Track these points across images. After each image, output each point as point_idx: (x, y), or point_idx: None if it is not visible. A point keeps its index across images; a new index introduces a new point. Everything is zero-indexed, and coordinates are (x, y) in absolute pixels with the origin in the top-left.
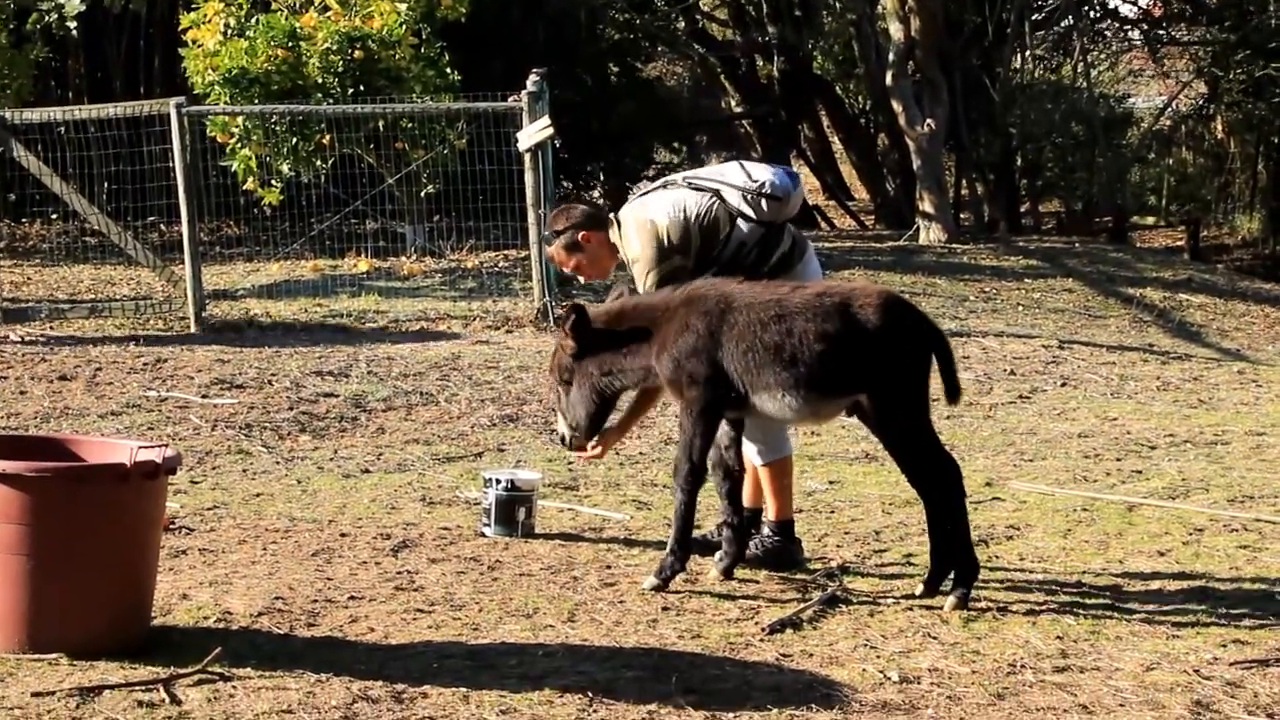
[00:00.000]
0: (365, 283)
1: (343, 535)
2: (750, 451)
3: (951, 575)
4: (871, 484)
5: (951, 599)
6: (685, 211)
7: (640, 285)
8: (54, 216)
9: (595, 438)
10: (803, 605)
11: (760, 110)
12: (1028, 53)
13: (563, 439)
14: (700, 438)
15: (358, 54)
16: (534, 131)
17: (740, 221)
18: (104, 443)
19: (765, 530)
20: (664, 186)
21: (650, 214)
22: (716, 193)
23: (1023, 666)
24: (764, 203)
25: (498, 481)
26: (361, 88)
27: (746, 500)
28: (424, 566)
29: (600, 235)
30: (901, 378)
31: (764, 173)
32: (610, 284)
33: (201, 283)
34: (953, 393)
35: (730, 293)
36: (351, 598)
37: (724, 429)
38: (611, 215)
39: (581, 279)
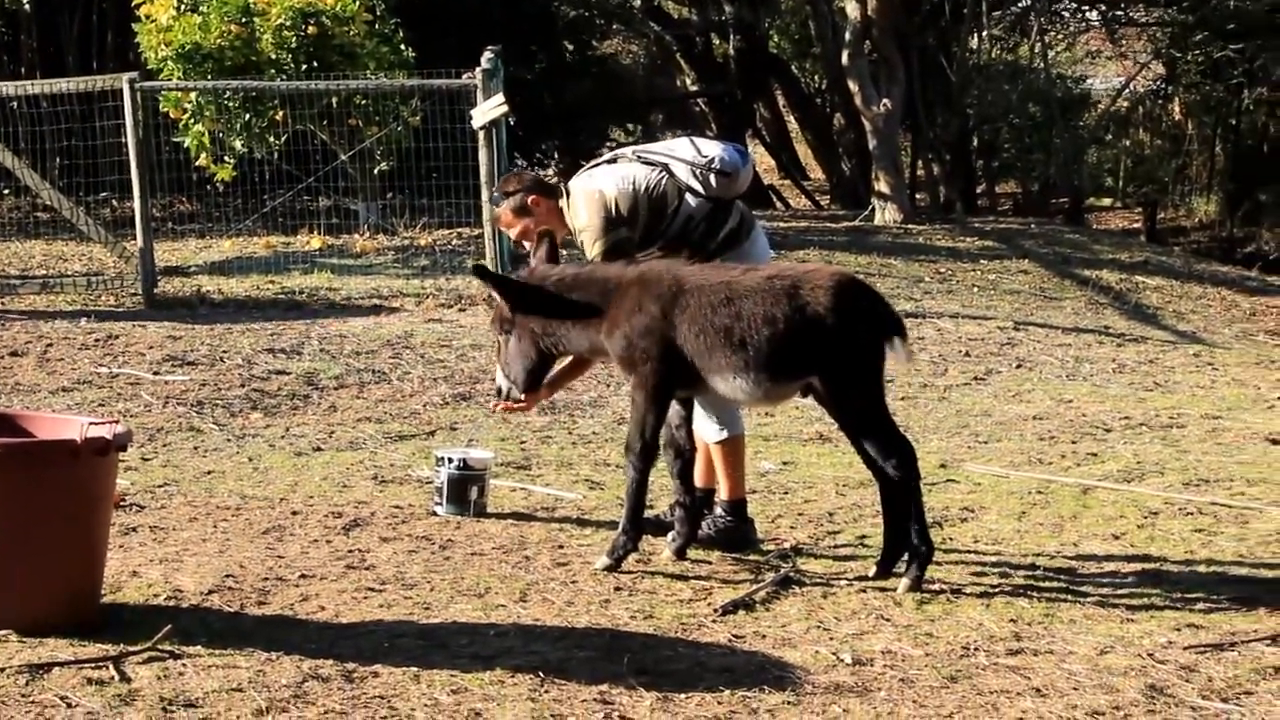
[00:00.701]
0: (318, 260)
1: (294, 513)
2: (702, 430)
3: (905, 557)
4: (825, 465)
5: (905, 581)
6: (634, 184)
7: (588, 255)
8: (5, 192)
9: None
10: (756, 586)
11: (716, 89)
12: (985, 32)
13: (498, 391)
14: (652, 416)
15: (311, 30)
16: (488, 109)
17: (689, 196)
18: (54, 419)
19: (718, 510)
20: (613, 160)
21: (599, 185)
22: (665, 167)
23: (976, 649)
24: (713, 178)
25: (450, 460)
26: (315, 64)
27: (699, 480)
28: (375, 545)
29: (550, 202)
30: (854, 359)
31: (714, 149)
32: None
33: (153, 259)
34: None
35: (682, 274)
36: (302, 576)
37: (675, 408)
38: (561, 186)
39: (527, 246)
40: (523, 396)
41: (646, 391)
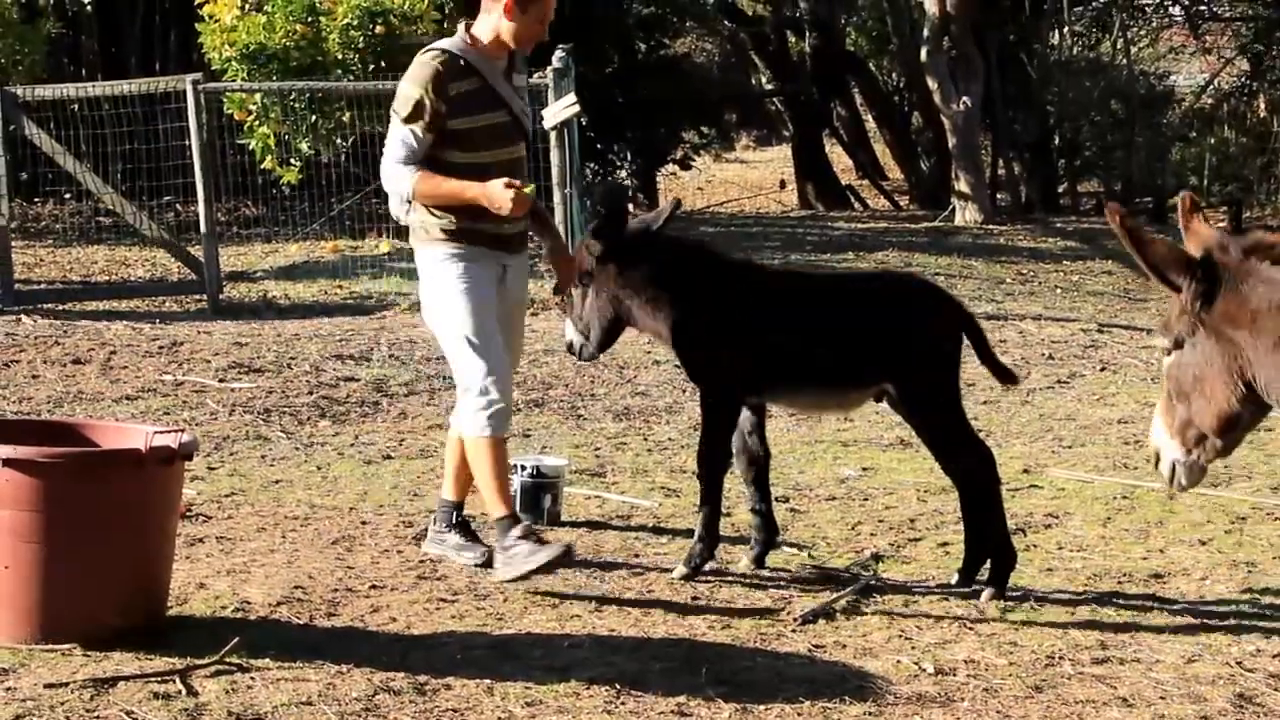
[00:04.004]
0: (387, 264)
1: (364, 523)
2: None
3: (988, 565)
4: (906, 471)
5: (988, 589)
6: None
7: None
8: (67, 196)
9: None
10: (836, 595)
11: (791, 87)
12: (1066, 28)
13: (569, 346)
14: (723, 423)
15: (379, 29)
16: (559, 109)
17: None
18: (119, 428)
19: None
20: None
21: None
22: None
23: (1061, 658)
24: None
25: (523, 468)
26: (383, 64)
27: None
28: None
29: None
30: (929, 366)
31: None
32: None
33: (218, 264)
34: (1002, 375)
35: (753, 276)
36: (373, 587)
37: (746, 414)
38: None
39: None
40: (598, 355)
41: (715, 399)
